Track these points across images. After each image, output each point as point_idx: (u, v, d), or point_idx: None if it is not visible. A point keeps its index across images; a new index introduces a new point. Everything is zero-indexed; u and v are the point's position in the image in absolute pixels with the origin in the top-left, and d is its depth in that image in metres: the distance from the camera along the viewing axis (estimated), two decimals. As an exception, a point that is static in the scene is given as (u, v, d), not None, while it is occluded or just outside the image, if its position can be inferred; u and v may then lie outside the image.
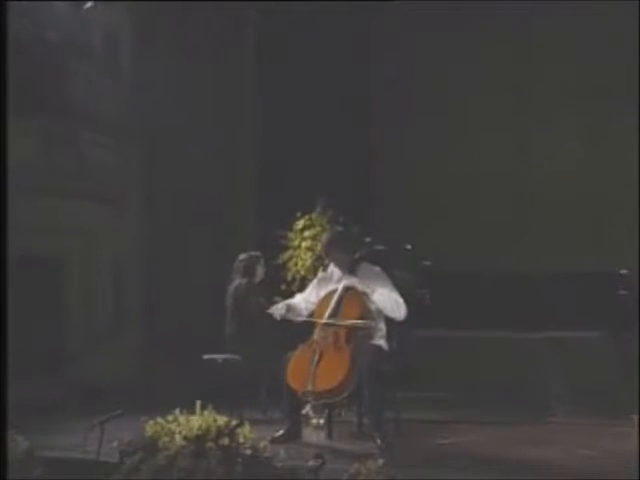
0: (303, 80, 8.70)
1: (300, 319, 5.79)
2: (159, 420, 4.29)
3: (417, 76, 8.80)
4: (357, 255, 5.91)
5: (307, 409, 6.10)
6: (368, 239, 6.62)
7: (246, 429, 4.30)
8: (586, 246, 8.21)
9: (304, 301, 5.95)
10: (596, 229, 8.35)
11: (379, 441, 5.40)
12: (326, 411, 5.95)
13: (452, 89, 8.70)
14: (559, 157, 8.57)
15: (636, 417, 5.16)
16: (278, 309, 5.86)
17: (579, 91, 8.47)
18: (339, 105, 8.74)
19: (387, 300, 5.66)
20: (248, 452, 4.20)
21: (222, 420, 4.26)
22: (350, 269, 5.81)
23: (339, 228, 6.34)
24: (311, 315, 5.84)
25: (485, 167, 8.71)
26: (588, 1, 7.99)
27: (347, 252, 5.84)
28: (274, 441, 5.29)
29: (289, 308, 5.86)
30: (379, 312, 5.73)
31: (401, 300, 5.67)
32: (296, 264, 7.07)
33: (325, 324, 5.62)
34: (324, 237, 6.15)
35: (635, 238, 7.96)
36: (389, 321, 5.77)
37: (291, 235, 7.13)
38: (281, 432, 5.60)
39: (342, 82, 8.74)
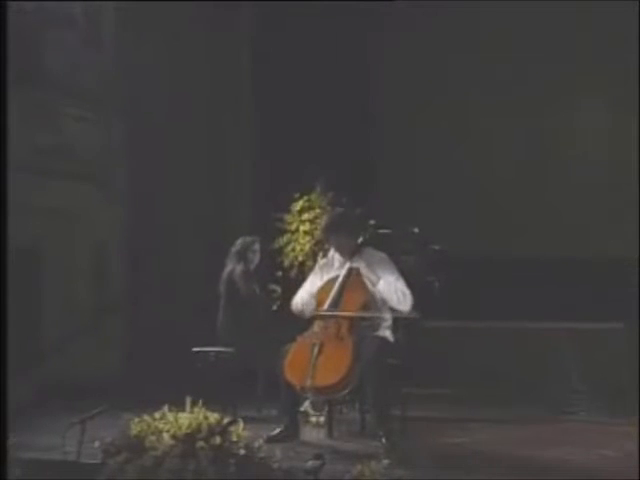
0: (302, 60, 8.78)
1: (317, 313, 5.71)
2: (145, 418, 4.27)
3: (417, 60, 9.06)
4: (360, 239, 5.86)
5: (306, 406, 6.08)
6: (372, 222, 6.59)
7: (240, 427, 4.28)
8: (603, 232, 8.26)
9: (308, 292, 5.90)
10: (612, 215, 8.42)
11: (384, 440, 5.37)
12: (326, 408, 5.93)
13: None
14: (570, 144, 8.78)
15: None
16: (309, 304, 5.77)
17: (581, 87, 8.74)
18: (339, 91, 8.89)
19: (392, 291, 5.62)
20: (242, 452, 4.18)
21: (214, 418, 4.25)
22: (352, 254, 5.76)
23: (340, 210, 6.28)
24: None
25: (494, 150, 8.86)
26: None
27: (349, 235, 5.78)
28: (270, 440, 5.26)
29: (314, 301, 5.79)
30: (384, 300, 5.69)
31: (407, 291, 5.63)
32: (294, 249, 7.03)
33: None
34: (323, 219, 6.10)
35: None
36: (395, 311, 5.74)
37: (289, 218, 7.08)
38: (278, 430, 5.58)
39: (341, 67, 8.92)
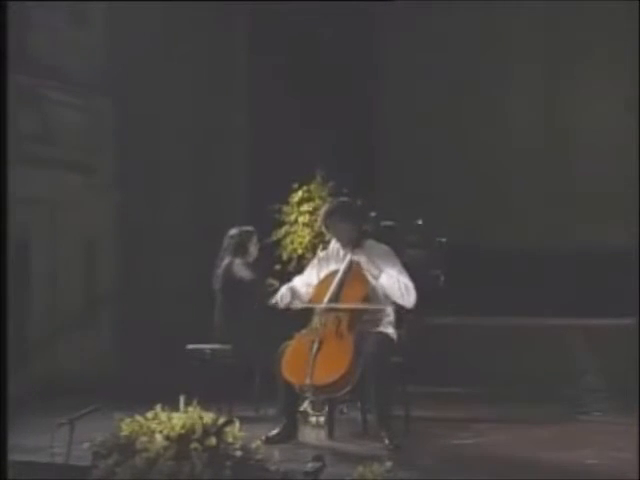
0: (302, 60, 8.83)
1: (306, 306, 5.71)
2: (137, 418, 4.26)
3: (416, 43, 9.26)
4: (362, 230, 5.84)
5: (305, 405, 6.08)
6: (373, 214, 6.57)
7: (236, 428, 4.27)
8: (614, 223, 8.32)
9: (304, 285, 5.89)
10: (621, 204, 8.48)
11: (386, 441, 5.36)
12: (326, 407, 5.92)
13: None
14: (573, 139, 8.96)
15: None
16: (283, 296, 5.79)
17: (582, 85, 8.94)
18: (339, 90, 9.03)
19: (395, 284, 5.61)
20: (238, 453, 4.17)
21: (209, 417, 4.24)
22: (354, 246, 5.75)
23: (341, 198, 6.26)
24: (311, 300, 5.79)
25: (494, 147, 8.96)
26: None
27: (350, 225, 5.76)
28: (268, 441, 5.25)
29: (294, 294, 5.79)
30: (386, 295, 5.68)
31: (411, 285, 5.62)
32: (292, 242, 7.03)
33: (325, 309, 5.57)
34: (324, 207, 6.08)
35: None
36: (398, 306, 5.73)
37: (287, 209, 7.08)
38: (276, 431, 5.56)
39: (341, 67, 9.06)
